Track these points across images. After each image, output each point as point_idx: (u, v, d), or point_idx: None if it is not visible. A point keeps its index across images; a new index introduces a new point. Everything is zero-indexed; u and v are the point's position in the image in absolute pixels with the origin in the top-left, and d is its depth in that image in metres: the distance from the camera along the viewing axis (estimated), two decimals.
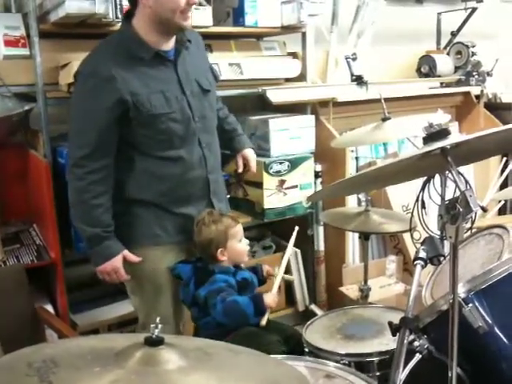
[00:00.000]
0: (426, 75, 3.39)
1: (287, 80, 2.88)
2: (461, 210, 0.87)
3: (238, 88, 2.66)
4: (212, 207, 2.01)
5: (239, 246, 1.97)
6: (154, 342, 0.98)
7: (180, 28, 1.81)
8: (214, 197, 2.02)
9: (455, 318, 0.94)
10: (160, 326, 0.99)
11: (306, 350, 1.78)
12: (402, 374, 0.97)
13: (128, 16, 1.85)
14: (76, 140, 1.82)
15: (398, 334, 0.95)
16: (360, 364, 1.63)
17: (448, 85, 3.42)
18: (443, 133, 0.91)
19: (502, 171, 3.22)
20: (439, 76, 3.39)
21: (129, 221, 1.91)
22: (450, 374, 0.95)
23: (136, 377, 0.90)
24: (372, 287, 2.40)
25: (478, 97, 3.51)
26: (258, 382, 0.97)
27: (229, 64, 2.64)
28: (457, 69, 3.47)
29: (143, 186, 1.90)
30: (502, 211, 3.51)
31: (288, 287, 3.01)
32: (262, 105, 2.84)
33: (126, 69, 1.78)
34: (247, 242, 2.01)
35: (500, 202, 3.30)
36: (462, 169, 1.89)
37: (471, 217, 0.89)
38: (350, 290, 2.83)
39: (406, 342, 0.92)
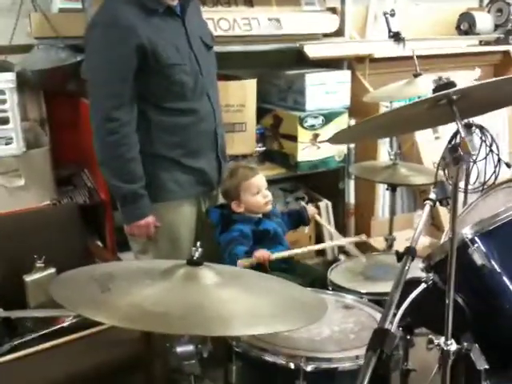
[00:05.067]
0: (466, 33, 3.38)
1: (325, 35, 2.94)
2: (462, 153, 0.99)
3: (277, 42, 2.73)
4: (219, 162, 2.09)
5: (253, 199, 2.04)
6: (195, 263, 1.16)
7: None
8: (220, 151, 2.08)
9: (453, 253, 1.07)
10: (200, 249, 1.16)
11: (330, 289, 1.92)
12: (406, 302, 1.12)
13: None
14: (104, 91, 1.82)
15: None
16: (378, 302, 1.77)
17: (487, 43, 3.41)
18: (450, 85, 1.02)
19: None
20: (478, 34, 3.37)
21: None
22: (447, 301, 1.09)
23: (180, 288, 1.08)
24: (398, 239, 2.51)
25: None
26: (283, 298, 1.13)
27: (268, 19, 2.71)
28: (497, 27, 3.43)
29: (156, 139, 1.92)
30: None
31: (318, 237, 3.16)
32: (300, 59, 2.91)
33: (141, 19, 1.82)
34: (266, 194, 2.07)
35: None
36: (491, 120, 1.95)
37: (472, 161, 1.01)
38: (377, 241, 2.95)
39: (407, 267, 1.06)
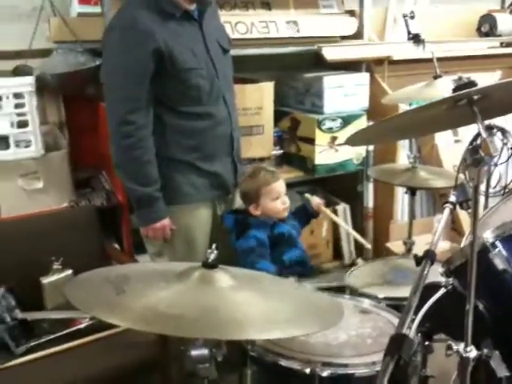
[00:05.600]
0: (486, 34, 3.33)
1: (343, 38, 2.93)
2: (482, 155, 0.97)
3: (295, 45, 2.73)
4: (234, 165, 2.09)
5: (272, 204, 2.01)
6: (210, 265, 1.15)
7: None
8: (235, 155, 2.09)
9: (474, 257, 1.05)
10: (215, 251, 1.16)
11: (348, 293, 1.90)
12: (425, 307, 1.09)
13: None
14: (120, 95, 1.83)
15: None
16: (396, 307, 1.74)
17: (508, 45, 3.35)
18: (471, 85, 0.99)
19: None
20: (499, 36, 3.32)
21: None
22: (467, 307, 1.06)
23: (195, 291, 1.08)
24: (418, 243, 2.47)
25: None
26: (298, 303, 1.12)
27: (286, 22, 2.72)
28: None
29: (171, 142, 1.93)
30: None
31: (336, 241, 3.13)
32: (318, 62, 2.90)
33: (159, 24, 1.83)
34: (285, 200, 2.04)
35: None
36: None
37: (493, 164, 0.99)
38: (396, 245, 2.92)
39: (426, 272, 1.04)
